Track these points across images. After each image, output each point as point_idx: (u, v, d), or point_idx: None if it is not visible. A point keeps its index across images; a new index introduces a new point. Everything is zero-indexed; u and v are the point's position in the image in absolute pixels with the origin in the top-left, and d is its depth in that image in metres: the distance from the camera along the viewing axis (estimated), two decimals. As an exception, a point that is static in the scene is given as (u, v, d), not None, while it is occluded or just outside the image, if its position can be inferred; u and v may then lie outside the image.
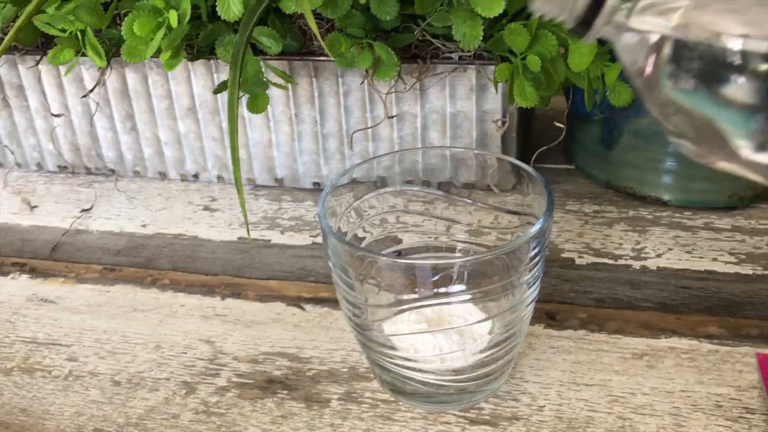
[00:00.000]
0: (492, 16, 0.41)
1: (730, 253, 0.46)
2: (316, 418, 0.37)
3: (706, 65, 0.27)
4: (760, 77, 0.26)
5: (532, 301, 0.36)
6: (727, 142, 0.28)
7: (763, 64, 0.25)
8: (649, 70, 0.28)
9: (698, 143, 0.29)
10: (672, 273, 0.45)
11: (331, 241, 0.34)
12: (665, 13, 0.27)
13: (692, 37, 0.26)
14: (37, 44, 0.54)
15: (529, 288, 0.35)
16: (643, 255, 0.47)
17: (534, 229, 0.33)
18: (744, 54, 0.26)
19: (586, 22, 0.28)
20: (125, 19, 0.44)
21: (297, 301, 0.45)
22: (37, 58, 0.54)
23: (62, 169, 0.60)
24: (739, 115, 0.26)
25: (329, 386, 0.39)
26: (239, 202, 0.36)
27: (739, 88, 0.26)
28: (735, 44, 0.26)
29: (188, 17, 0.44)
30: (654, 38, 0.27)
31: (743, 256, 0.46)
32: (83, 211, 0.55)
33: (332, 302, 0.44)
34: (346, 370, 0.40)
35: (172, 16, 0.44)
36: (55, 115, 0.57)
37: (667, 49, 0.27)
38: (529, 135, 0.59)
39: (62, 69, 0.54)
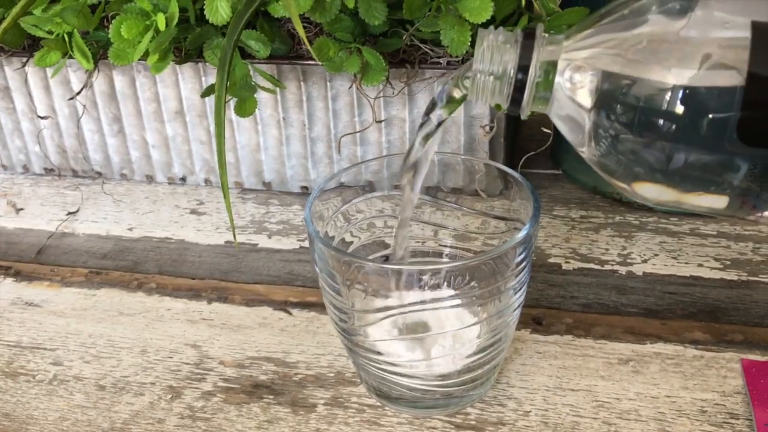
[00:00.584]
0: (480, 22, 0.42)
1: (716, 259, 0.47)
2: (302, 423, 0.37)
3: (638, 113, 0.29)
4: (679, 118, 0.27)
5: (519, 306, 0.36)
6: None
7: (682, 106, 0.28)
8: (588, 128, 0.30)
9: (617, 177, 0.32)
10: (658, 278, 0.45)
11: (318, 246, 0.34)
12: (588, 63, 0.30)
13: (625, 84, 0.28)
14: (24, 46, 0.53)
15: (516, 293, 0.35)
16: (629, 260, 0.47)
17: (520, 234, 0.33)
18: (671, 99, 0.27)
19: (516, 101, 0.31)
20: (113, 21, 0.44)
21: (284, 306, 0.45)
22: (24, 59, 0.54)
23: (48, 171, 0.60)
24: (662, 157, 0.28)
25: (315, 391, 0.39)
26: (226, 208, 0.36)
27: (665, 128, 0.28)
28: (667, 93, 0.27)
29: (176, 20, 0.44)
30: (588, 102, 0.29)
31: (728, 262, 0.46)
32: (69, 213, 0.55)
33: (319, 307, 0.44)
34: (332, 374, 0.40)
35: (160, 20, 0.44)
36: (42, 117, 0.56)
37: (599, 105, 0.29)
38: (516, 140, 0.59)
39: (49, 71, 0.54)
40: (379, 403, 0.38)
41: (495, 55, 0.31)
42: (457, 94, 0.34)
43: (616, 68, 0.29)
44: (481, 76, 0.32)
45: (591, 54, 0.30)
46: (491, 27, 0.32)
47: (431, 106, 0.35)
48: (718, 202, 0.30)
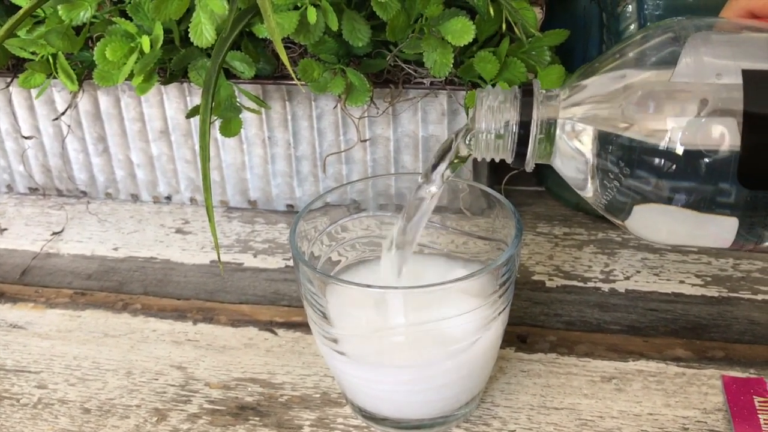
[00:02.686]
0: (462, 45, 0.42)
1: (697, 276, 0.47)
2: (288, 444, 0.37)
3: (638, 160, 0.30)
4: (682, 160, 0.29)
5: (502, 326, 0.36)
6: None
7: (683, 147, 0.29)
8: (591, 176, 0.31)
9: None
10: (640, 295, 0.46)
11: (303, 268, 0.34)
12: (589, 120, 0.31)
13: (626, 135, 0.29)
14: (8, 66, 0.53)
15: (499, 314, 0.35)
16: (611, 277, 0.48)
17: (503, 257, 0.34)
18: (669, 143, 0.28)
19: (520, 156, 0.33)
20: (97, 44, 0.44)
21: (269, 326, 0.45)
22: (8, 80, 0.54)
23: (33, 191, 0.60)
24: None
25: (301, 412, 0.39)
26: (211, 231, 0.36)
27: (666, 176, 0.28)
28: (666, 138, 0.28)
29: (161, 42, 0.44)
30: (589, 152, 0.30)
31: (709, 279, 0.47)
32: (54, 234, 0.55)
33: (305, 327, 0.44)
34: (318, 395, 0.40)
35: (145, 42, 0.44)
36: (26, 138, 0.56)
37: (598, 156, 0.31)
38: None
39: (33, 92, 0.54)
40: (364, 424, 0.38)
41: (496, 114, 0.32)
42: (462, 152, 0.34)
43: (614, 120, 0.30)
44: (483, 135, 0.33)
45: (589, 107, 0.31)
46: (488, 87, 0.33)
47: (436, 162, 0.35)
48: (725, 232, 0.30)
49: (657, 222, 0.31)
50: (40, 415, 0.39)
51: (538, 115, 0.32)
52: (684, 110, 0.28)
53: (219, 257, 0.37)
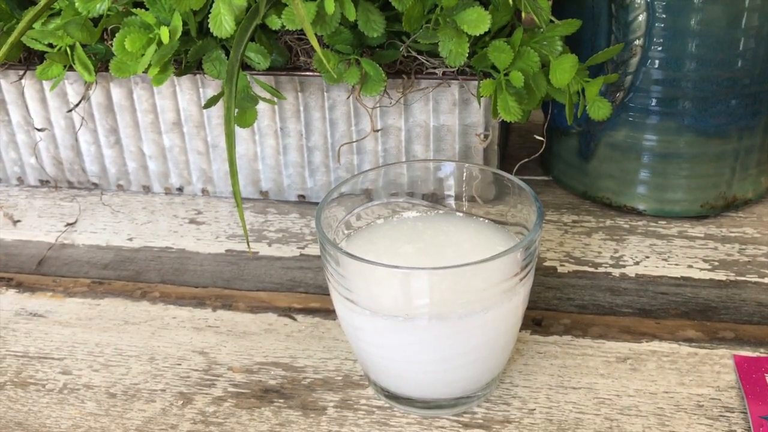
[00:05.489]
0: (478, 34, 0.43)
1: (704, 260, 0.48)
2: (314, 425, 0.38)
3: None
4: None
5: (523, 309, 0.37)
6: None
7: None
8: None
9: None
10: (650, 280, 0.47)
11: (331, 249, 0.35)
12: None
13: None
14: (20, 59, 0.54)
15: (521, 295, 0.36)
16: (621, 263, 0.49)
17: (527, 238, 0.35)
18: None
19: None
20: (116, 35, 0.45)
21: (288, 312, 0.46)
22: (20, 72, 0.54)
23: (44, 183, 0.60)
24: None
25: (324, 394, 0.39)
26: (239, 215, 0.37)
27: None
28: None
29: (179, 33, 0.45)
30: None
31: (716, 263, 0.48)
32: (68, 225, 0.55)
33: (323, 312, 0.45)
34: (340, 378, 0.40)
35: (164, 33, 0.45)
36: (39, 130, 0.57)
37: None
38: (507, 147, 0.60)
39: (46, 84, 0.55)
40: (387, 405, 0.39)
41: None
42: None
43: None
44: None
45: None
46: None
47: None
48: None
49: None
50: (67, 399, 0.40)
51: None
52: None
53: (247, 241, 0.38)
